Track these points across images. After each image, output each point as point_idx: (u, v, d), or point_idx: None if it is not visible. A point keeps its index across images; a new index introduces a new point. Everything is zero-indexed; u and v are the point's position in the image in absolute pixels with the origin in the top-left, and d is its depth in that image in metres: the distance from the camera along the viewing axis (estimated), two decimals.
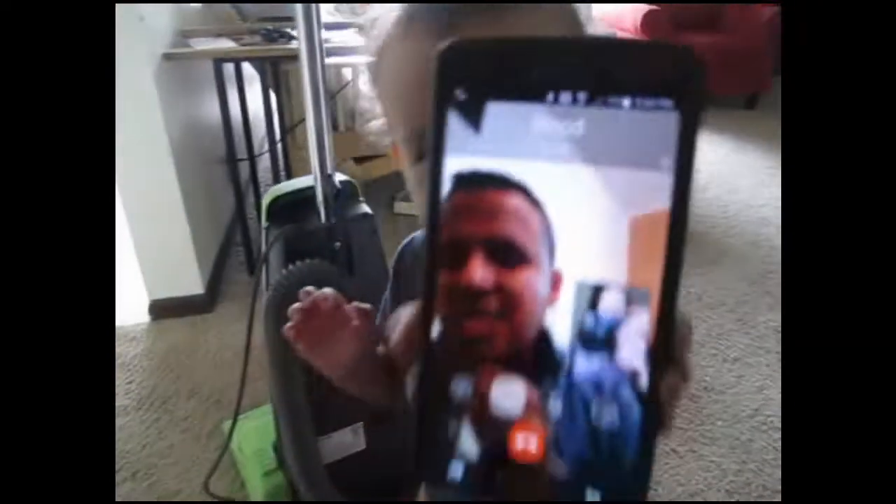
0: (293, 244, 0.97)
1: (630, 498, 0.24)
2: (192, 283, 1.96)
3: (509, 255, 0.24)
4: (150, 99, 1.70)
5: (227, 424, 1.43)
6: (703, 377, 1.68)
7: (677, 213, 0.23)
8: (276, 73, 2.25)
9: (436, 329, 0.25)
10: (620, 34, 3.99)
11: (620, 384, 0.24)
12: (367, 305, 0.52)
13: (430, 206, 0.24)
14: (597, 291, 0.24)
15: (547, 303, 0.24)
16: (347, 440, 1.16)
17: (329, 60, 2.56)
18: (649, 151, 0.23)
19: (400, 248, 0.63)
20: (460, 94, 0.24)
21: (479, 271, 0.24)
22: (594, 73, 0.23)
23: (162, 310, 1.94)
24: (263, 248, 1.02)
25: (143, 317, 1.96)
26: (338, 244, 1.00)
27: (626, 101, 0.23)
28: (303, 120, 2.43)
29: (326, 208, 0.98)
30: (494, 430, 0.24)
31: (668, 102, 0.22)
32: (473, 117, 0.24)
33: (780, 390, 1.64)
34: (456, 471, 0.24)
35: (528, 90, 0.23)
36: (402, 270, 0.61)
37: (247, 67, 2.57)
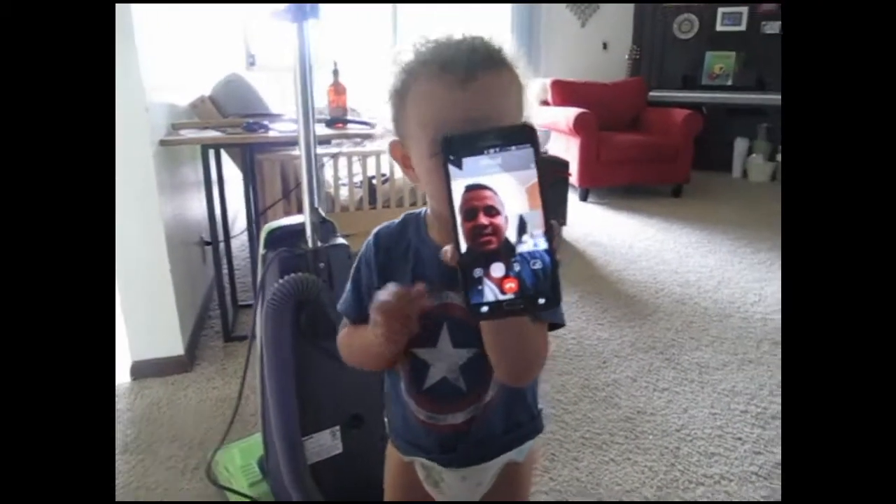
0: (287, 263, 1.21)
1: (556, 300, 0.54)
2: (173, 346, 2.12)
3: (491, 212, 0.54)
4: (148, 180, 1.96)
5: (210, 452, 1.57)
6: (636, 405, 1.91)
7: (540, 182, 0.54)
8: (252, 163, 2.55)
9: (463, 247, 0.54)
10: (555, 133, 4.51)
11: (538, 250, 0.54)
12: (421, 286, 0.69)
13: (448, 198, 0.55)
14: (520, 217, 0.54)
15: (506, 227, 0.54)
16: (326, 442, 1.33)
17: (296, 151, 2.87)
18: (526, 163, 0.54)
19: (373, 235, 0.83)
20: (452, 156, 0.55)
21: (483, 219, 0.54)
22: (502, 138, 0.55)
23: (144, 369, 2.08)
24: (260, 269, 1.25)
25: (124, 377, 2.09)
26: (322, 264, 1.24)
27: (514, 147, 0.55)
28: (273, 204, 2.71)
29: (313, 235, 1.24)
30: (496, 285, 0.54)
31: (527, 145, 0.54)
32: (459, 164, 0.55)
33: (702, 410, 1.88)
34: (483, 307, 0.54)
35: (478, 149, 0.55)
36: (381, 246, 0.82)
37: (231, 168, 2.88)
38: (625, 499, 1.50)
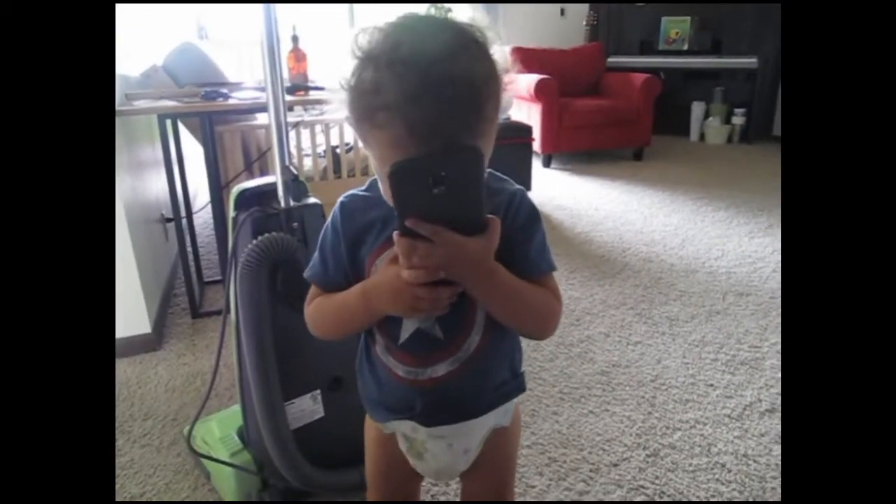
0: (259, 223, 1.17)
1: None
2: (140, 324, 2.06)
3: None
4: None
5: (186, 429, 1.53)
6: (611, 359, 1.94)
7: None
8: (213, 134, 2.46)
9: None
10: (517, 100, 4.49)
11: None
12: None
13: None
14: None
15: None
16: (307, 407, 1.31)
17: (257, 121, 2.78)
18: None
19: (339, 202, 0.79)
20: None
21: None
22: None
23: None
24: (230, 232, 1.21)
25: None
26: (295, 224, 1.21)
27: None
28: (236, 176, 2.63)
29: (285, 194, 1.20)
30: None
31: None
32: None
33: (674, 360, 1.92)
34: None
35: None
36: (347, 210, 0.78)
37: (189, 143, 2.77)
38: (606, 448, 1.53)
